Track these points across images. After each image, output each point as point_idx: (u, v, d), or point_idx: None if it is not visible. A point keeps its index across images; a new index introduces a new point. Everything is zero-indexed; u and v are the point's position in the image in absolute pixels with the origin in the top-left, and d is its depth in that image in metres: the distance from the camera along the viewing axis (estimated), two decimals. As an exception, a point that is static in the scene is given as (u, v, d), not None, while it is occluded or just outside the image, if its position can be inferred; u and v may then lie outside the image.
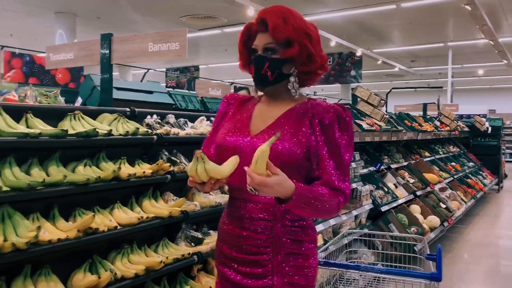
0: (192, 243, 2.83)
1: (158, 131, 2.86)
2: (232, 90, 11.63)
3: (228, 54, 15.68)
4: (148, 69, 10.24)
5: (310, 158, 1.45)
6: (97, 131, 2.42)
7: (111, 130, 2.52)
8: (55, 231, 2.13)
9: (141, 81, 9.01)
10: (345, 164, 1.45)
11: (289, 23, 1.43)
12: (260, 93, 1.64)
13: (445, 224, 5.54)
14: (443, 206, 5.97)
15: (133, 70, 16.43)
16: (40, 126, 2.27)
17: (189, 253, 2.65)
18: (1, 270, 2.00)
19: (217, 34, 12.86)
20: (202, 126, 3.27)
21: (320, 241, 3.57)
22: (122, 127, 2.70)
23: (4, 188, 1.96)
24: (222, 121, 1.65)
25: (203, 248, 2.78)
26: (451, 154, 8.60)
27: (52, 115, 2.47)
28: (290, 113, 1.51)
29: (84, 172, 2.38)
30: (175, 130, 2.98)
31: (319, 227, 3.55)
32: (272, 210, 1.46)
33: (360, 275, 2.39)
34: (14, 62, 7.95)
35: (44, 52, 3.86)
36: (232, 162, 1.38)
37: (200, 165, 1.36)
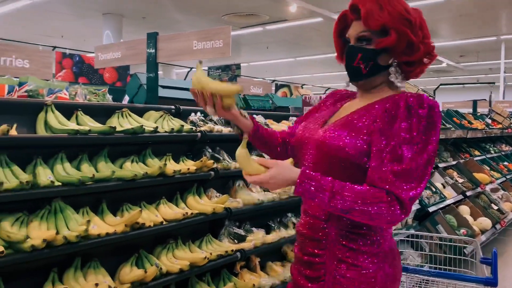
0: (235, 240, 2.84)
1: (202, 128, 2.89)
2: (274, 88, 11.61)
3: (270, 51, 15.66)
4: (191, 68, 10.40)
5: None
6: (144, 128, 2.47)
7: (157, 127, 2.57)
8: (104, 225, 2.19)
9: (185, 79, 9.16)
10: (406, 165, 1.20)
11: (384, 8, 1.28)
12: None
13: (497, 226, 5.28)
14: (495, 207, 5.69)
15: (176, 69, 16.76)
16: (89, 123, 2.35)
17: (232, 250, 2.66)
18: (53, 262, 2.08)
19: (258, 31, 12.86)
20: (245, 124, 3.26)
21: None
22: (167, 124, 2.74)
23: (56, 183, 2.04)
24: (309, 113, 1.60)
25: (246, 245, 2.79)
26: (503, 153, 8.17)
27: (100, 113, 2.55)
28: (368, 107, 1.35)
29: (131, 168, 2.44)
30: (218, 127, 3.00)
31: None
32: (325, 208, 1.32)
33: (407, 277, 2.31)
34: (65, 62, 8.30)
35: (93, 52, 3.99)
36: (224, 84, 1.42)
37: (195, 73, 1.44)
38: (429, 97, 1.29)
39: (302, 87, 11.26)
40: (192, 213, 2.54)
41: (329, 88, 14.16)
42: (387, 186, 1.21)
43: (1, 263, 1.75)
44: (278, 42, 14.22)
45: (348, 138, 1.30)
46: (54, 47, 8.12)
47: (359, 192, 1.22)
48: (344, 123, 1.35)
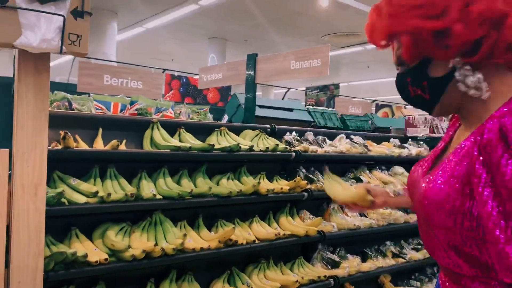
0: (329, 266, 2.72)
1: (297, 148, 2.85)
2: (374, 108, 11.22)
3: (370, 71, 15.25)
4: (289, 88, 10.51)
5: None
6: (240, 147, 2.51)
7: (252, 145, 2.60)
8: (199, 239, 2.25)
9: (282, 99, 9.28)
10: None
11: (383, 14, 0.95)
12: None
13: None
14: None
15: (275, 89, 17.09)
16: (190, 140, 2.45)
17: (325, 276, 2.56)
18: (150, 273, 2.18)
19: (359, 51, 12.63)
20: (341, 144, 3.17)
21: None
22: (263, 143, 2.76)
23: (158, 196, 2.15)
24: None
25: (340, 272, 2.66)
26: None
27: (201, 131, 2.65)
28: (468, 139, 0.93)
29: (227, 185, 2.49)
30: (313, 147, 2.94)
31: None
32: None
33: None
34: (173, 84, 8.92)
35: (198, 74, 4.21)
36: (355, 193, 1.31)
37: (325, 180, 1.40)
38: None
39: (405, 108, 10.74)
40: (284, 234, 2.50)
41: (434, 109, 13.29)
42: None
43: (106, 270, 1.87)
44: (380, 61, 13.80)
45: (448, 187, 0.91)
46: (164, 70, 8.78)
47: None
48: (447, 167, 0.95)
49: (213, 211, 2.48)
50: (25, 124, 1.40)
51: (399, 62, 1.00)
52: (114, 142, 2.09)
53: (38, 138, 1.43)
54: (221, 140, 2.60)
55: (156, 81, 6.79)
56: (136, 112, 2.92)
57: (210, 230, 2.40)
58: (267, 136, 2.85)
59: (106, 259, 1.86)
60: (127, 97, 3.03)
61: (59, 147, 1.92)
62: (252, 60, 3.30)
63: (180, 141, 2.44)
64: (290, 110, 3.78)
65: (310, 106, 4.77)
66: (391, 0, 0.95)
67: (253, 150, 2.60)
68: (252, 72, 3.33)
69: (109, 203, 1.97)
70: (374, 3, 1.02)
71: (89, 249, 1.90)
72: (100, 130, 2.25)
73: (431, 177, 0.96)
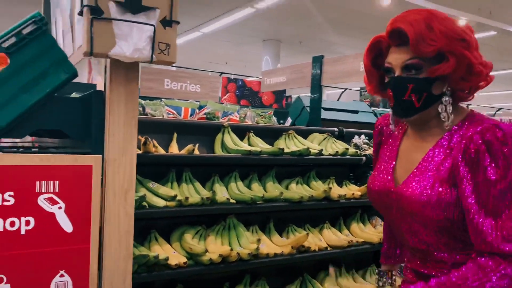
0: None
1: (367, 152, 2.77)
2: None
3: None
4: (345, 89, 10.32)
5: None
6: (310, 151, 2.48)
7: (321, 150, 2.55)
8: (271, 245, 2.24)
9: (338, 100, 9.12)
10: (503, 216, 1.01)
11: (435, 29, 1.08)
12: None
13: None
14: None
15: (327, 90, 16.84)
16: (260, 144, 2.45)
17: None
18: (225, 277, 2.19)
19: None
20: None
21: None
22: (331, 147, 2.71)
23: (231, 201, 2.16)
24: (377, 156, 1.37)
25: (414, 281, 2.56)
26: None
27: (268, 134, 2.64)
28: (437, 150, 1.15)
29: (296, 190, 2.46)
30: (384, 151, 2.85)
31: None
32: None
33: None
34: (230, 87, 9.03)
35: (253, 77, 4.21)
36: None
37: None
38: (506, 124, 1.08)
39: (467, 107, 10.24)
40: (357, 241, 2.44)
41: (500, 109, 12.58)
42: (495, 245, 1.01)
43: (184, 273, 1.90)
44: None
45: (437, 194, 1.10)
46: (221, 73, 8.91)
47: (465, 275, 1.04)
48: (424, 175, 1.14)
49: (283, 216, 2.46)
50: (116, 131, 1.44)
51: (408, 68, 1.13)
52: (190, 146, 2.12)
53: (128, 145, 1.46)
54: (290, 144, 2.57)
55: (214, 84, 6.90)
56: (204, 116, 2.97)
57: (280, 235, 2.38)
58: (335, 140, 2.80)
59: (185, 263, 1.89)
60: (196, 101, 3.08)
61: (139, 152, 1.98)
62: (318, 61, 3.25)
63: (249, 145, 2.45)
64: (356, 112, 3.69)
65: (376, 108, 4.63)
66: (443, 21, 1.10)
67: (323, 154, 2.56)
68: (318, 73, 3.28)
69: (187, 207, 2.00)
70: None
71: (168, 252, 1.94)
72: (175, 134, 2.29)
73: (414, 184, 1.13)
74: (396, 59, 1.15)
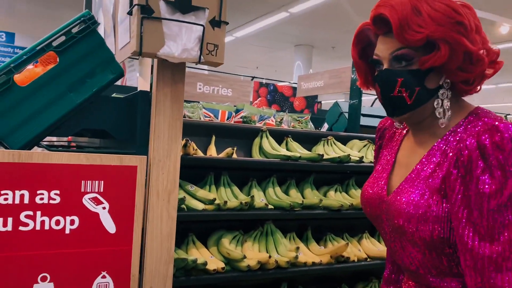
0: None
1: (408, 161, 2.68)
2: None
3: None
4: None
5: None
6: (350, 158, 2.41)
7: (362, 157, 2.48)
8: (309, 253, 2.18)
9: (371, 106, 8.96)
10: (501, 238, 0.84)
11: (423, 12, 0.91)
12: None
13: None
14: None
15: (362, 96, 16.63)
16: (298, 150, 2.39)
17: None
18: (262, 284, 2.15)
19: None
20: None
21: None
22: (371, 154, 2.63)
23: (270, 206, 2.11)
24: (377, 160, 1.22)
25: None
26: None
27: (306, 139, 2.58)
28: (433, 154, 0.99)
29: (335, 197, 2.39)
30: (426, 160, 2.75)
31: None
32: None
33: None
34: (261, 91, 9.01)
35: (284, 82, 4.17)
36: None
37: None
38: (508, 124, 0.87)
39: (505, 117, 9.89)
40: (398, 253, 2.34)
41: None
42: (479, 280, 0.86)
43: (222, 279, 1.87)
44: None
45: (426, 206, 0.94)
46: (253, 77, 8.91)
47: None
48: (418, 182, 0.98)
49: (321, 224, 2.39)
50: (161, 132, 1.42)
51: (396, 59, 0.97)
52: (229, 150, 2.09)
53: (173, 147, 1.44)
54: (329, 150, 2.51)
55: (245, 88, 6.90)
56: (241, 119, 2.94)
57: (318, 244, 2.32)
58: (376, 147, 2.72)
59: (223, 268, 1.86)
60: (233, 105, 3.06)
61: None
62: (358, 67, 3.18)
63: (287, 150, 2.40)
64: (394, 119, 3.58)
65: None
66: (434, 4, 0.93)
67: (363, 162, 2.48)
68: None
69: (225, 211, 1.97)
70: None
71: (205, 256, 1.91)
72: (213, 137, 2.27)
73: (403, 193, 0.99)
74: (383, 50, 0.99)
